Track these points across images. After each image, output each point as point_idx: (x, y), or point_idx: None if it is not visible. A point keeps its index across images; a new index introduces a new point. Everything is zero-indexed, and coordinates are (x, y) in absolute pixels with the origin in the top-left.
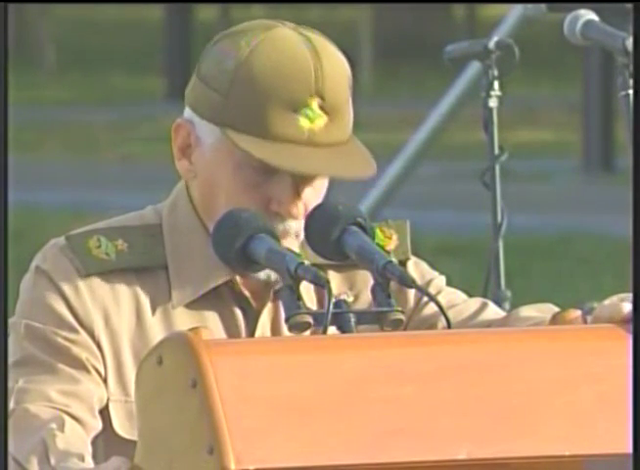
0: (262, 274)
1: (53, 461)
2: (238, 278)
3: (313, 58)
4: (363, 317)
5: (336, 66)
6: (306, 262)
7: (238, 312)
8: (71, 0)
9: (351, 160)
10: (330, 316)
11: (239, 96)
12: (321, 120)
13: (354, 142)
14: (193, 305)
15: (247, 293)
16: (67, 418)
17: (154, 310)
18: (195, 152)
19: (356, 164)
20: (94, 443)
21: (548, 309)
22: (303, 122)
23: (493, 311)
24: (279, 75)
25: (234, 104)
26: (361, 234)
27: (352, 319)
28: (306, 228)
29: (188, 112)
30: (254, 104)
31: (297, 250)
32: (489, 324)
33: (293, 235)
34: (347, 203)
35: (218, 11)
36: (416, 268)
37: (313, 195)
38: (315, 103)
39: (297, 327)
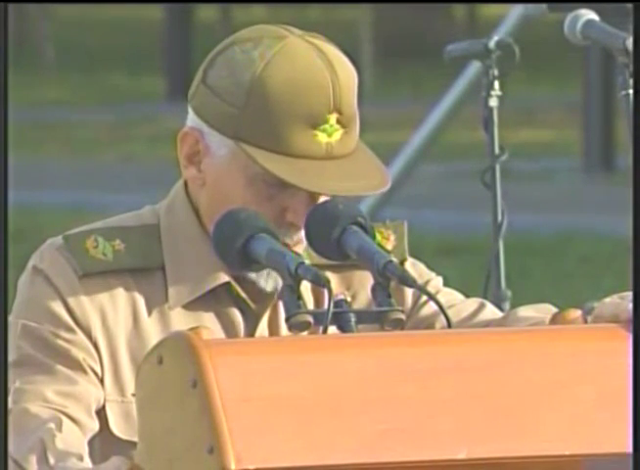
0: (262, 282)
1: (52, 461)
2: (235, 281)
3: (329, 72)
4: (363, 317)
5: (349, 77)
6: (307, 262)
7: (236, 314)
8: (71, 0)
9: (366, 170)
10: (330, 316)
11: (256, 112)
12: (338, 134)
13: (362, 147)
14: (190, 306)
15: (244, 295)
16: (64, 418)
17: (150, 311)
18: (204, 160)
19: (371, 177)
20: (91, 443)
21: (546, 310)
22: (322, 137)
23: (491, 312)
24: (297, 92)
25: (251, 119)
26: (361, 234)
27: (352, 319)
28: (307, 228)
29: (195, 120)
30: (273, 120)
31: (303, 254)
32: (487, 324)
33: (304, 242)
34: (348, 202)
35: (218, 11)
36: (413, 269)
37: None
38: (333, 118)
39: (297, 327)
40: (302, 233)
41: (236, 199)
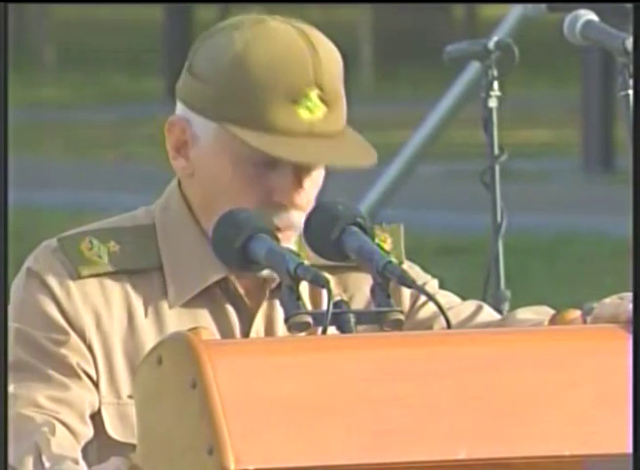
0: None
1: (47, 465)
2: (233, 276)
3: (309, 48)
4: (363, 317)
5: (331, 55)
6: (306, 263)
7: (231, 312)
8: (71, 0)
9: (352, 149)
10: (330, 316)
11: (236, 90)
12: (320, 111)
13: (350, 131)
14: (186, 305)
15: (242, 291)
16: (57, 424)
17: (146, 312)
18: (192, 149)
19: (357, 153)
20: (87, 446)
21: (545, 312)
22: (303, 114)
23: (489, 314)
24: (276, 68)
25: (231, 98)
26: (361, 234)
27: (352, 319)
28: (306, 228)
29: (182, 109)
30: (253, 97)
31: (294, 243)
32: (486, 326)
33: (295, 227)
34: (347, 203)
35: (218, 11)
36: (410, 272)
37: (312, 185)
38: (314, 94)
39: (296, 327)
40: (293, 215)
41: (223, 182)
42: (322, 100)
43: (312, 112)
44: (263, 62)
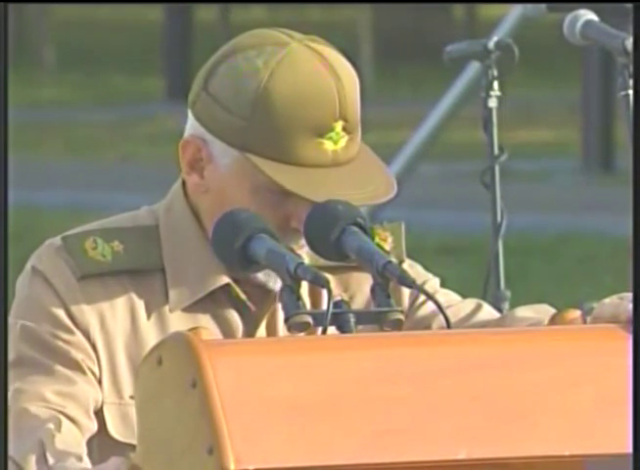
0: (261, 276)
1: (51, 461)
2: (234, 282)
3: (334, 80)
4: (363, 317)
5: (353, 83)
6: (306, 262)
7: (235, 316)
8: (71, 0)
9: (371, 175)
10: (330, 316)
11: (262, 123)
12: (343, 141)
13: (362, 147)
14: (189, 308)
15: (243, 297)
16: (63, 419)
17: (149, 313)
18: (207, 167)
19: (378, 181)
20: (89, 445)
21: (544, 310)
22: (327, 145)
23: (489, 312)
24: (303, 102)
25: (257, 130)
26: (361, 234)
27: (352, 319)
28: (306, 228)
29: (197, 127)
30: (279, 131)
31: (306, 259)
32: (485, 325)
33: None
34: (347, 203)
35: (218, 11)
36: (411, 271)
37: None
38: (339, 126)
39: (296, 327)
40: None
41: (240, 205)
42: (345, 130)
43: (336, 142)
44: (289, 97)
